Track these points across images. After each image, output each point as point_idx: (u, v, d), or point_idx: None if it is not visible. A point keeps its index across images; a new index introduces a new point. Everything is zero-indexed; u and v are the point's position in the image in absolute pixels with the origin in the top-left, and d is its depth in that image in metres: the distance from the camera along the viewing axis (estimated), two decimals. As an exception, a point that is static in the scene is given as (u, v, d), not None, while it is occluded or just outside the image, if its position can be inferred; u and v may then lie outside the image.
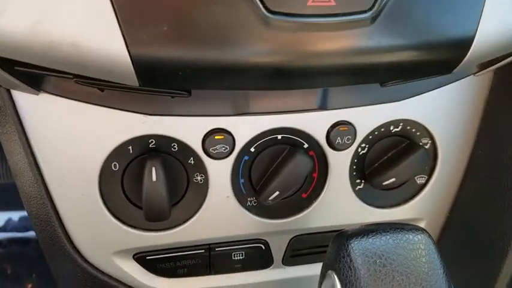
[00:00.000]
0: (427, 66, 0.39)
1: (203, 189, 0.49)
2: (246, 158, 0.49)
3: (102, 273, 0.52)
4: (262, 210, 0.51)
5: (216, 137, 0.45)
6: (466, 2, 0.36)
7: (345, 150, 0.50)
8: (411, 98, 0.50)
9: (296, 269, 0.59)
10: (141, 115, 0.44)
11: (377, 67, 0.37)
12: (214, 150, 0.46)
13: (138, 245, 0.50)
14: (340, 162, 0.51)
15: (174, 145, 0.47)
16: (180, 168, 0.48)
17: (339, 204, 0.53)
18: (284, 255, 0.57)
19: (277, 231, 0.53)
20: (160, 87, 0.38)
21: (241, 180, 0.50)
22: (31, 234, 1.15)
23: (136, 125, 0.44)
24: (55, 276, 0.56)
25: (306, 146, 0.49)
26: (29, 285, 1.14)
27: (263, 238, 0.55)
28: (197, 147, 0.46)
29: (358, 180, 0.54)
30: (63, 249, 0.50)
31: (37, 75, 0.40)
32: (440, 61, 0.39)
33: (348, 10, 0.32)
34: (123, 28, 0.31)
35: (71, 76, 0.38)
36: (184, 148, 0.46)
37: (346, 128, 0.48)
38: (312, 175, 0.51)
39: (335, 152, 0.50)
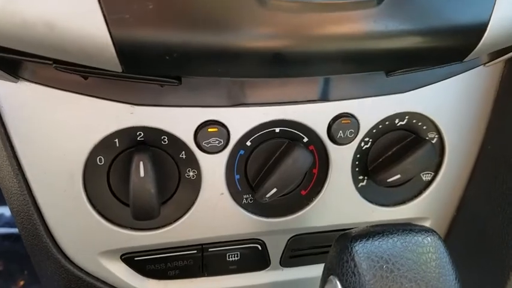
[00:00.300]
0: (437, 53, 0.37)
1: (195, 185, 0.46)
2: (242, 152, 0.47)
3: (88, 274, 0.49)
4: (258, 208, 0.49)
5: (209, 130, 0.43)
6: (480, -14, 0.33)
7: (347, 145, 0.48)
8: (418, 90, 0.48)
9: (295, 270, 0.57)
10: (128, 105, 0.41)
11: (384, 53, 0.35)
12: (207, 143, 0.44)
13: (125, 245, 0.48)
14: (341, 157, 0.48)
15: (164, 138, 0.44)
16: (171, 163, 0.45)
17: (340, 202, 0.51)
18: (282, 256, 0.55)
19: (274, 230, 0.51)
20: (146, 74, 0.35)
21: (237, 176, 0.48)
22: (23, 230, 1.13)
23: (123, 116, 0.42)
24: (39, 276, 0.53)
25: (305, 139, 0.47)
26: (21, 282, 1.12)
27: (260, 238, 0.53)
28: (189, 141, 0.44)
29: (360, 177, 0.51)
30: (45, 248, 0.47)
31: (14, 60, 0.37)
32: (452, 48, 0.37)
33: (353, -11, 0.30)
34: (104, 6, 0.28)
35: (50, 61, 0.35)
36: (175, 141, 0.44)
37: (349, 121, 0.46)
38: (311, 171, 0.49)
39: (337, 146, 0.47)
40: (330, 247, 0.48)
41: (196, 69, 0.33)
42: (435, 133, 0.51)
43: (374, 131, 0.49)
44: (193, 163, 0.45)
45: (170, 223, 0.47)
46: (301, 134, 0.47)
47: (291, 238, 0.54)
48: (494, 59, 0.47)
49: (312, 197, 0.50)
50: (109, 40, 0.30)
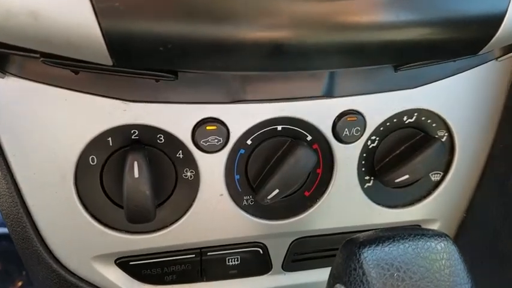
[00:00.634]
0: (450, 45, 0.35)
1: (193, 186, 0.45)
2: (242, 151, 0.45)
3: (81, 279, 0.47)
4: (259, 210, 0.48)
5: (207, 128, 0.41)
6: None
7: (353, 143, 0.46)
8: (427, 85, 0.46)
9: (297, 275, 0.55)
10: (122, 102, 0.40)
11: (394, 45, 0.33)
12: (205, 142, 0.42)
13: (120, 249, 0.46)
14: (347, 156, 0.47)
15: (160, 136, 0.42)
16: (167, 162, 0.44)
17: (345, 204, 0.49)
18: (284, 260, 0.53)
19: (276, 233, 0.49)
20: (139, 67, 0.33)
21: (237, 177, 0.46)
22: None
23: (117, 113, 0.40)
24: (32, 281, 0.51)
25: (309, 138, 0.46)
26: (19, 283, 1.10)
27: (261, 241, 0.51)
28: (186, 139, 0.42)
29: (367, 177, 0.49)
30: (36, 252, 0.45)
31: (-1, 54, 0.35)
32: (466, 40, 0.35)
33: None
34: (92, -7, 0.26)
35: (37, 54, 0.33)
36: (172, 140, 0.42)
37: (355, 118, 0.44)
38: (315, 171, 0.48)
39: (342, 145, 0.46)
40: (335, 251, 0.46)
41: (193, 63, 0.31)
42: (445, 131, 0.50)
43: (381, 129, 0.47)
44: (191, 163, 0.43)
45: (167, 226, 0.46)
46: (304, 132, 0.45)
47: (293, 241, 0.52)
48: (507, 53, 0.46)
49: (315, 199, 0.48)
50: (98, 31, 0.28)
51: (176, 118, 0.41)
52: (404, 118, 0.47)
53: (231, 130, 0.42)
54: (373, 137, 0.47)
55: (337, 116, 0.44)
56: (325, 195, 0.48)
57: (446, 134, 0.50)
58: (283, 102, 0.42)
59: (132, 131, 0.41)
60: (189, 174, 0.44)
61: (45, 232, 0.44)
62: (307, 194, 0.48)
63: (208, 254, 0.49)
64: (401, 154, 0.48)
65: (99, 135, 0.40)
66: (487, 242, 0.55)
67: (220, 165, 0.44)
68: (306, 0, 0.29)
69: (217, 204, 0.45)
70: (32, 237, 0.44)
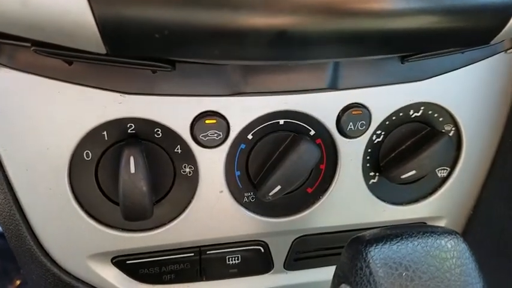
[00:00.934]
0: (461, 34, 0.34)
1: (192, 182, 0.43)
2: (243, 146, 0.43)
3: (76, 279, 0.46)
4: (261, 208, 0.46)
5: (206, 122, 0.40)
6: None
7: (358, 138, 0.45)
8: (434, 78, 0.45)
9: (300, 274, 0.53)
10: (117, 94, 0.38)
11: (404, 33, 0.32)
12: (205, 137, 0.40)
13: (116, 248, 0.45)
14: (351, 151, 0.45)
15: (158, 131, 0.41)
16: (165, 158, 0.42)
17: (349, 201, 0.48)
18: (286, 259, 0.52)
19: (278, 231, 0.48)
20: (134, 56, 0.32)
21: (237, 173, 0.44)
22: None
23: (112, 105, 0.38)
24: (27, 280, 0.50)
25: (312, 132, 0.44)
26: (18, 282, 1.09)
27: (262, 239, 0.49)
28: (185, 134, 0.41)
29: (372, 173, 0.48)
30: (29, 251, 0.43)
31: (-12, 43, 0.34)
32: (477, 29, 0.34)
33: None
34: (83, -23, 0.25)
35: (28, 43, 0.32)
36: (170, 134, 0.41)
37: (360, 112, 0.43)
38: (319, 167, 0.46)
39: (346, 139, 0.44)
40: (338, 249, 0.45)
41: (191, 51, 0.29)
42: (452, 125, 0.48)
43: (387, 123, 0.46)
44: (190, 158, 0.42)
45: (165, 224, 0.44)
46: (307, 127, 0.44)
47: (296, 239, 0.50)
48: (517, 44, 0.44)
49: (318, 195, 0.47)
50: (90, 16, 0.26)
51: (174, 111, 0.39)
52: (411, 112, 0.46)
53: (231, 124, 0.41)
54: (379, 132, 0.46)
55: (342, 110, 0.43)
56: (329, 191, 0.47)
57: (453, 129, 0.48)
58: (286, 95, 0.41)
59: (128, 125, 0.40)
60: (187, 170, 0.43)
61: (39, 230, 0.43)
62: (309, 190, 0.47)
63: (208, 252, 0.48)
64: (408, 149, 0.47)
65: (94, 129, 0.39)
66: (494, 239, 0.54)
67: (220, 160, 0.42)
68: (310, -15, 0.27)
69: (217, 201, 0.44)
70: (25, 236, 0.43)
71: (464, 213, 0.54)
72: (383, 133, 0.46)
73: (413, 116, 0.46)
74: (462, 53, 0.43)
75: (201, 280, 0.50)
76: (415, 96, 0.45)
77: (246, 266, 0.50)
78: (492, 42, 0.36)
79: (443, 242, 0.31)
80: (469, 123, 0.48)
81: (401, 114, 0.46)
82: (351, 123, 0.43)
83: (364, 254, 0.30)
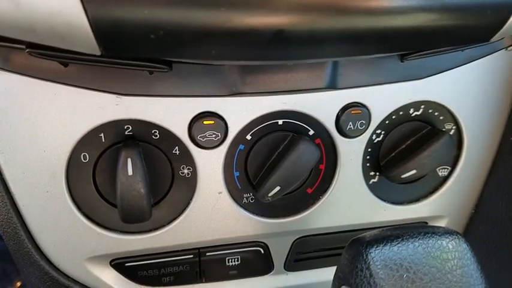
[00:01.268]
0: (461, 32, 0.34)
1: (191, 184, 0.43)
2: (241, 147, 0.43)
3: (75, 282, 0.46)
4: (260, 208, 0.46)
5: (204, 122, 0.40)
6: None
7: (358, 138, 0.44)
8: (434, 76, 0.45)
9: (300, 275, 0.53)
10: (114, 95, 0.38)
11: (404, 31, 0.31)
12: (203, 138, 0.40)
13: (115, 250, 0.44)
14: (351, 151, 0.45)
15: (155, 132, 0.40)
16: (163, 159, 0.42)
17: (349, 201, 0.47)
18: (286, 260, 0.52)
19: (278, 232, 0.48)
20: (130, 57, 0.31)
21: (236, 174, 0.44)
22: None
23: (109, 107, 0.38)
24: (26, 283, 0.49)
25: (311, 132, 0.44)
26: (18, 284, 1.09)
27: (262, 240, 0.49)
28: (183, 135, 0.40)
29: (372, 173, 0.48)
30: (27, 254, 0.43)
31: (-17, 46, 0.33)
32: (478, 26, 0.33)
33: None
34: (76, -23, 0.24)
35: (22, 45, 0.31)
36: (167, 136, 0.40)
37: (359, 111, 0.43)
38: (318, 167, 0.46)
39: (346, 139, 0.44)
40: (339, 250, 0.44)
41: (187, 51, 0.29)
42: (452, 124, 0.48)
43: (387, 122, 0.45)
44: (188, 159, 0.42)
45: (163, 225, 0.44)
46: (306, 127, 0.43)
47: (296, 240, 0.50)
48: (517, 42, 0.44)
49: (318, 196, 0.47)
50: (83, 17, 0.26)
51: (172, 112, 0.39)
52: (411, 111, 0.46)
53: (229, 125, 0.40)
54: (378, 131, 0.46)
55: (341, 109, 0.42)
56: (329, 192, 0.46)
57: (454, 127, 0.48)
58: (285, 94, 0.40)
59: (125, 127, 0.39)
60: (186, 171, 0.42)
61: (37, 233, 0.42)
62: (309, 191, 0.46)
63: (207, 254, 0.47)
64: (408, 148, 0.46)
65: (91, 131, 0.39)
66: (496, 238, 0.54)
67: (218, 161, 0.42)
68: (307, -17, 0.27)
69: (216, 203, 0.44)
70: (23, 239, 0.42)
71: (465, 213, 0.54)
72: (383, 132, 0.46)
73: (413, 114, 0.46)
74: (462, 50, 0.42)
75: (201, 282, 0.49)
76: (415, 95, 0.44)
77: (246, 267, 0.50)
78: (492, 39, 0.35)
79: (444, 242, 0.31)
80: (469, 122, 0.48)
81: (401, 113, 0.45)
82: (350, 122, 0.43)
83: (364, 255, 0.30)
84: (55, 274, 0.44)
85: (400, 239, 0.30)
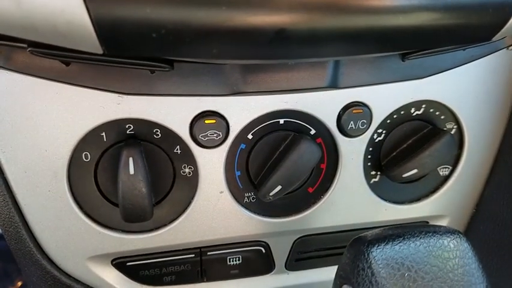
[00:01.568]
0: (463, 31, 0.33)
1: (192, 183, 0.43)
2: (243, 146, 0.43)
3: (76, 281, 0.46)
4: (261, 208, 0.46)
5: (206, 122, 0.40)
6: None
7: (359, 137, 0.44)
8: (435, 76, 0.45)
9: (301, 274, 0.53)
10: (116, 94, 0.38)
11: (405, 30, 0.31)
12: (204, 137, 0.40)
13: (116, 250, 0.44)
14: (352, 150, 0.45)
15: (157, 131, 0.40)
16: (164, 158, 0.42)
17: (350, 200, 0.47)
18: (287, 259, 0.52)
19: (279, 231, 0.48)
20: (131, 56, 0.31)
21: (237, 173, 0.44)
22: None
23: (110, 106, 0.38)
24: (27, 283, 0.49)
25: (312, 132, 0.44)
26: (19, 283, 1.09)
27: (263, 240, 0.49)
28: (184, 134, 0.40)
29: (373, 172, 0.48)
30: (29, 253, 0.43)
31: (-15, 45, 0.33)
32: (479, 26, 0.33)
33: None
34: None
35: (24, 44, 0.31)
36: (169, 135, 0.40)
37: (361, 111, 0.43)
38: (319, 166, 0.46)
39: (347, 138, 0.44)
40: (340, 249, 0.44)
41: (189, 50, 0.29)
42: (453, 123, 0.48)
43: (388, 121, 0.45)
44: (189, 159, 0.41)
45: (165, 225, 0.44)
46: (308, 126, 0.43)
47: (297, 239, 0.50)
48: (518, 41, 0.44)
49: (319, 195, 0.47)
50: (86, 16, 0.26)
51: (173, 111, 0.39)
52: (412, 110, 0.46)
53: (230, 124, 0.40)
54: (380, 130, 0.45)
55: (342, 109, 0.42)
56: (330, 191, 0.46)
57: (455, 127, 0.48)
58: (286, 94, 0.40)
59: (127, 126, 0.39)
60: (187, 170, 0.42)
61: (39, 232, 0.42)
62: (310, 190, 0.46)
63: (209, 253, 0.47)
64: (409, 148, 0.46)
65: (93, 131, 0.39)
66: (497, 237, 0.54)
67: (220, 161, 0.42)
68: (309, -17, 0.27)
69: (217, 202, 0.44)
70: (24, 238, 0.42)
71: (466, 212, 0.54)
72: (384, 132, 0.46)
73: (414, 114, 0.46)
74: (463, 50, 0.42)
75: (202, 281, 0.49)
76: (416, 94, 0.44)
77: (247, 266, 0.50)
78: (494, 38, 0.35)
79: (445, 241, 0.31)
80: (471, 121, 0.47)
81: (402, 112, 0.45)
82: (351, 122, 0.43)
83: (366, 254, 0.30)
84: (56, 273, 0.44)
85: (401, 238, 0.30)
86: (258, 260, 0.50)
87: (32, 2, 0.26)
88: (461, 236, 0.32)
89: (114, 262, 0.46)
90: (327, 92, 0.41)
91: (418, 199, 0.50)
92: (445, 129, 0.47)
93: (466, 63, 0.45)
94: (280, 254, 0.50)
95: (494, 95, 0.48)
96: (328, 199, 0.46)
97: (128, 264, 0.46)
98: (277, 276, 0.52)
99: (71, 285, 0.45)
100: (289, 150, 0.41)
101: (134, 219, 0.39)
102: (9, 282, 1.08)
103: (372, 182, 0.47)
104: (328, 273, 0.51)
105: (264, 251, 0.49)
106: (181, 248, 0.46)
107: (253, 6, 0.26)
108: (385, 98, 0.43)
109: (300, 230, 0.49)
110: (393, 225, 0.45)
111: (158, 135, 0.40)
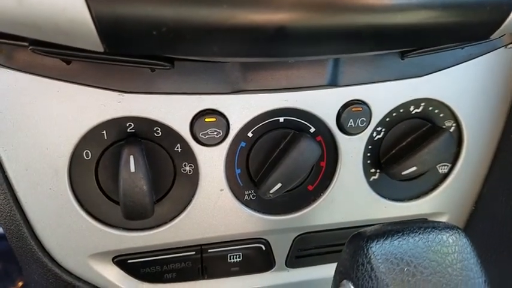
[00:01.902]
0: (461, 29, 0.34)
1: (193, 181, 0.43)
2: (243, 144, 0.43)
3: (78, 279, 0.46)
4: (261, 206, 0.46)
5: (206, 120, 0.40)
6: None
7: (358, 135, 0.44)
8: (434, 74, 0.45)
9: (301, 271, 0.53)
10: (116, 93, 0.38)
11: (403, 28, 0.31)
12: (204, 135, 0.40)
13: (117, 247, 0.45)
14: (352, 148, 0.45)
15: (157, 129, 0.41)
16: (165, 157, 0.42)
17: (350, 198, 0.48)
18: (287, 257, 0.52)
19: (279, 229, 0.48)
20: (132, 53, 0.31)
21: (238, 171, 0.44)
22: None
23: (111, 105, 0.38)
24: (28, 281, 0.50)
25: (312, 130, 0.44)
26: (20, 283, 1.09)
27: (263, 237, 0.49)
28: (184, 132, 0.40)
29: (372, 170, 0.48)
30: (30, 251, 0.43)
31: (-14, 44, 0.33)
32: (477, 23, 0.33)
33: None
34: (79, -27, 0.24)
35: (25, 42, 0.32)
36: (169, 133, 0.41)
37: (360, 109, 0.43)
38: (319, 164, 0.46)
39: (347, 136, 0.44)
40: (340, 246, 0.44)
41: (189, 48, 0.29)
42: (452, 121, 0.48)
43: (387, 119, 0.45)
44: (190, 157, 0.42)
45: (166, 222, 0.44)
46: (307, 124, 0.43)
47: (297, 237, 0.50)
48: (517, 39, 0.44)
49: (319, 193, 0.47)
50: (87, 14, 0.26)
51: (173, 110, 0.39)
52: (411, 108, 0.46)
53: (231, 122, 0.41)
54: (379, 128, 0.46)
55: (342, 107, 0.42)
56: (329, 189, 0.46)
57: (454, 125, 0.48)
58: (286, 92, 0.41)
59: (127, 124, 0.40)
60: (188, 168, 0.43)
61: (40, 230, 0.43)
62: (310, 188, 0.47)
63: (209, 251, 0.47)
64: (408, 146, 0.46)
65: (93, 129, 0.39)
66: (496, 234, 0.54)
67: (220, 158, 0.42)
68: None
69: (217, 200, 0.44)
70: (26, 236, 0.42)
71: (465, 209, 0.54)
72: (383, 130, 0.46)
73: (413, 112, 0.46)
74: (462, 48, 0.42)
75: (203, 279, 0.49)
76: (415, 92, 0.44)
77: (248, 264, 0.50)
78: (492, 36, 0.35)
79: (444, 237, 0.31)
80: (469, 119, 0.48)
81: (401, 110, 0.45)
82: (351, 120, 0.43)
83: (365, 249, 0.30)
84: (58, 271, 0.44)
85: (400, 234, 0.31)
86: (259, 257, 0.50)
87: (33, 0, 0.26)
88: (460, 231, 0.32)
89: (115, 260, 0.46)
90: (327, 90, 0.41)
91: (417, 196, 0.50)
92: (444, 127, 0.47)
93: (464, 62, 0.45)
94: (280, 252, 0.51)
95: (493, 93, 0.48)
96: (327, 197, 0.47)
97: (129, 261, 0.46)
98: (278, 274, 0.52)
99: (72, 282, 0.45)
100: (289, 148, 0.42)
101: (135, 216, 0.39)
102: (10, 283, 1.08)
103: (371, 179, 0.48)
104: (328, 270, 0.51)
105: (264, 248, 0.49)
106: (182, 246, 0.46)
107: (253, 4, 0.26)
108: (385, 96, 0.43)
109: (300, 228, 0.49)
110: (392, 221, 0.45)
111: (159, 133, 0.41)
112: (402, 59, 0.42)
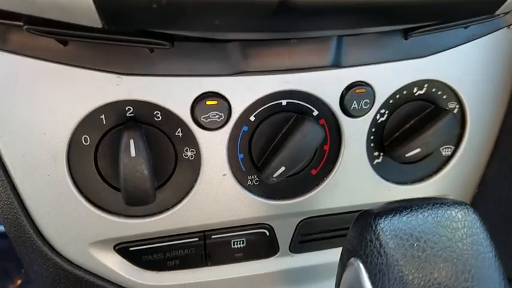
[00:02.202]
0: (466, 4, 0.32)
1: (194, 166, 0.42)
2: (245, 128, 0.42)
3: (78, 267, 0.45)
4: (265, 190, 0.45)
5: (207, 103, 0.39)
6: None
7: (362, 117, 0.44)
8: (437, 55, 0.44)
9: (305, 256, 0.53)
10: (114, 75, 0.37)
11: (409, 3, 0.30)
12: (206, 119, 0.39)
13: (118, 235, 0.44)
14: (355, 131, 0.44)
15: (157, 113, 0.40)
16: (166, 141, 0.41)
17: (354, 181, 0.47)
18: (291, 242, 0.51)
19: (283, 214, 0.47)
20: (131, 28, 0.30)
21: (240, 155, 0.43)
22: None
23: (109, 87, 0.37)
24: (28, 271, 0.49)
25: (315, 113, 0.43)
26: (18, 281, 1.09)
27: (267, 222, 0.49)
28: (185, 116, 0.39)
29: (376, 153, 0.47)
30: (29, 240, 0.42)
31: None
32: None
33: None
34: None
35: (21, 22, 0.31)
36: (170, 117, 0.40)
37: (364, 90, 0.42)
38: (322, 147, 0.45)
39: (350, 119, 0.43)
40: (344, 230, 0.44)
41: (190, 21, 0.28)
42: (456, 103, 0.48)
43: (391, 101, 0.45)
44: (191, 141, 0.41)
45: (168, 209, 0.43)
46: (310, 107, 0.43)
47: (300, 222, 0.50)
48: (519, 19, 0.44)
49: (323, 176, 0.46)
50: (85, -14, 0.25)
51: (174, 93, 0.38)
52: (415, 90, 0.45)
53: (232, 105, 0.40)
54: (383, 111, 0.45)
55: (345, 88, 0.42)
56: (333, 172, 0.46)
57: (457, 106, 0.48)
58: (288, 73, 0.40)
59: (126, 108, 0.39)
60: (189, 153, 0.42)
61: (39, 218, 0.42)
62: (314, 172, 0.46)
63: (213, 237, 0.47)
64: (412, 127, 0.46)
65: (92, 113, 0.38)
66: (500, 217, 0.54)
67: (222, 143, 0.41)
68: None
69: (220, 185, 0.43)
70: (24, 224, 0.42)
71: (469, 191, 0.54)
72: (387, 112, 0.45)
73: (417, 94, 0.45)
74: (465, 28, 0.42)
75: (206, 265, 0.49)
76: (418, 73, 0.44)
77: (252, 249, 0.49)
78: (498, 11, 0.35)
79: (453, 212, 0.31)
80: (473, 101, 0.47)
81: (405, 92, 0.45)
82: (354, 102, 0.42)
83: (373, 226, 0.29)
84: (58, 260, 0.43)
85: (409, 210, 0.30)
86: (262, 243, 0.49)
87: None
88: (469, 207, 0.32)
89: (116, 247, 0.45)
90: (330, 71, 0.41)
91: (421, 179, 0.50)
92: (447, 108, 0.46)
93: (467, 42, 0.45)
94: (284, 237, 0.50)
95: (496, 74, 0.48)
96: (331, 181, 0.46)
97: (131, 249, 0.45)
98: (282, 259, 0.51)
99: (73, 271, 0.44)
100: (292, 132, 0.41)
101: (136, 202, 0.38)
102: (9, 281, 1.08)
103: (375, 162, 0.47)
104: (333, 255, 0.51)
105: (268, 233, 0.49)
106: (184, 232, 0.45)
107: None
108: (388, 77, 0.43)
109: (303, 212, 0.48)
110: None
111: (159, 117, 0.40)
112: (406, 39, 0.41)
